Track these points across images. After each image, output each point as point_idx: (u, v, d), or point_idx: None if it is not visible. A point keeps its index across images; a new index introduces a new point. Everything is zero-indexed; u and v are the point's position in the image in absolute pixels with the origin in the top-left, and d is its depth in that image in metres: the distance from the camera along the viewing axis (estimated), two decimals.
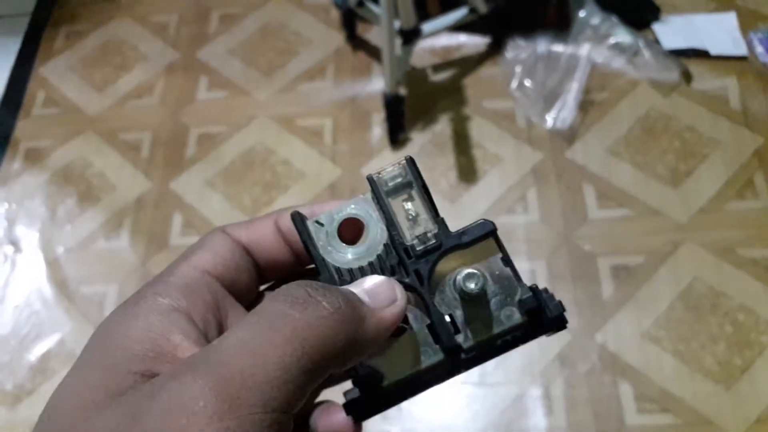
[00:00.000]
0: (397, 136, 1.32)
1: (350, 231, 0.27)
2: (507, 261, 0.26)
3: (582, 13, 1.37)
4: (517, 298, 0.26)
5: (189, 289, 0.25)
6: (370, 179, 0.27)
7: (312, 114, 1.41)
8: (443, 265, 0.26)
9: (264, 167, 1.35)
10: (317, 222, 0.27)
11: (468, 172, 1.27)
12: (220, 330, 0.25)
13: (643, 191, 1.21)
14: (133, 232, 1.30)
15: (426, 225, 0.27)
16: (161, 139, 1.42)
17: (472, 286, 0.25)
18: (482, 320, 0.26)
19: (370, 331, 0.23)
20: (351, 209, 0.27)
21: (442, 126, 1.34)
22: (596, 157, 1.26)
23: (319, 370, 0.21)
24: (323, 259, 0.26)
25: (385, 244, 0.26)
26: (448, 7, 1.36)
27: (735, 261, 1.12)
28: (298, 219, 0.27)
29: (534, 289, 0.26)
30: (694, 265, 1.13)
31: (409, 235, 0.26)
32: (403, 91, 1.33)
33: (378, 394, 0.25)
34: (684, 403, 1.01)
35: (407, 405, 1.05)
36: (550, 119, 1.30)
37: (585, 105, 1.32)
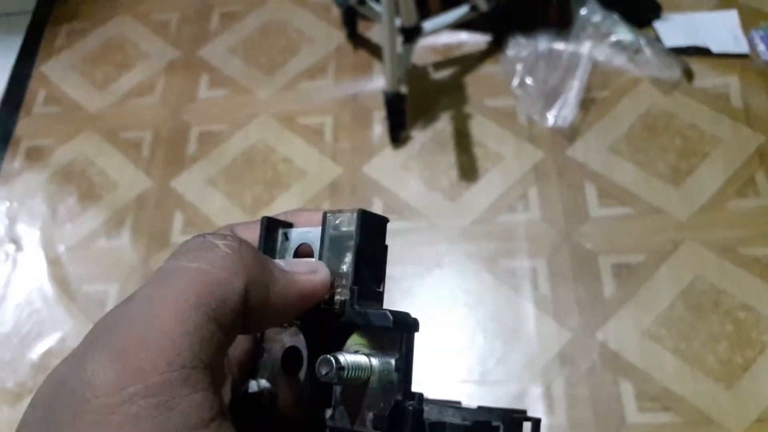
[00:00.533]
0: (398, 134, 1.32)
1: (306, 254, 0.26)
2: (401, 366, 0.23)
3: (583, 11, 1.37)
4: (382, 406, 0.23)
5: None
6: (324, 216, 0.25)
7: (313, 112, 1.41)
8: (354, 335, 0.24)
9: (265, 165, 1.35)
10: (285, 234, 0.26)
11: (469, 171, 1.27)
12: None
13: (644, 189, 1.21)
14: (134, 230, 1.30)
15: (341, 287, 0.24)
16: (162, 138, 1.42)
17: (323, 371, 0.22)
18: (353, 408, 0.23)
19: (279, 289, 0.22)
20: (309, 235, 0.26)
21: (443, 124, 1.34)
22: (597, 155, 1.26)
23: (223, 319, 0.20)
24: None
25: None
26: (449, 4, 1.36)
27: (736, 259, 1.12)
28: (265, 224, 0.26)
29: (393, 412, 0.22)
30: (695, 263, 1.13)
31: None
32: (404, 89, 1.33)
33: (258, 416, 0.25)
34: (685, 402, 1.01)
35: None
36: (551, 117, 1.29)
37: (586, 103, 1.32)
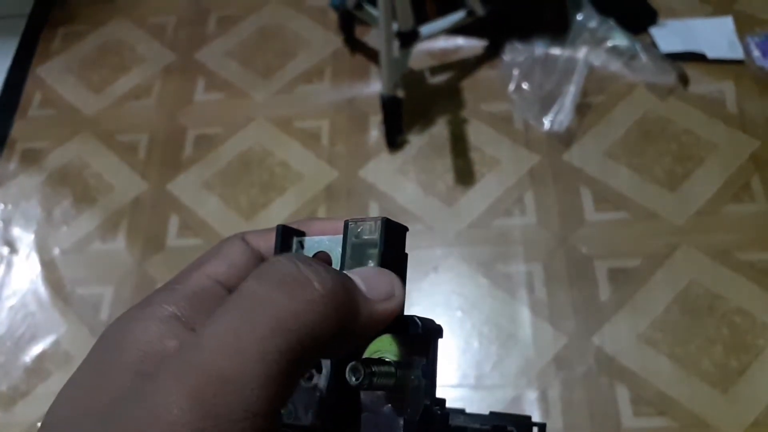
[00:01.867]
0: (394, 138, 1.32)
1: (325, 261, 0.26)
2: (427, 371, 0.23)
3: (579, 17, 1.37)
4: (409, 412, 0.23)
5: (197, 298, 0.24)
6: (345, 224, 0.25)
7: (309, 116, 1.41)
8: (377, 340, 0.24)
9: (261, 169, 1.35)
10: (300, 243, 0.26)
11: (465, 175, 1.27)
12: None
13: (640, 194, 1.21)
14: (130, 233, 1.30)
15: None
16: (158, 141, 1.42)
17: (353, 378, 0.22)
18: (378, 414, 0.23)
19: (361, 323, 0.22)
20: (326, 243, 0.26)
21: (440, 128, 1.34)
22: (593, 159, 1.26)
23: (305, 362, 0.20)
24: None
25: None
26: (445, 9, 1.37)
27: (732, 264, 1.12)
28: (280, 232, 0.26)
29: (423, 417, 0.22)
30: (690, 267, 1.13)
31: None
32: (400, 93, 1.33)
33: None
34: (681, 406, 1.01)
35: None
36: (547, 122, 1.30)
37: (582, 108, 1.32)
